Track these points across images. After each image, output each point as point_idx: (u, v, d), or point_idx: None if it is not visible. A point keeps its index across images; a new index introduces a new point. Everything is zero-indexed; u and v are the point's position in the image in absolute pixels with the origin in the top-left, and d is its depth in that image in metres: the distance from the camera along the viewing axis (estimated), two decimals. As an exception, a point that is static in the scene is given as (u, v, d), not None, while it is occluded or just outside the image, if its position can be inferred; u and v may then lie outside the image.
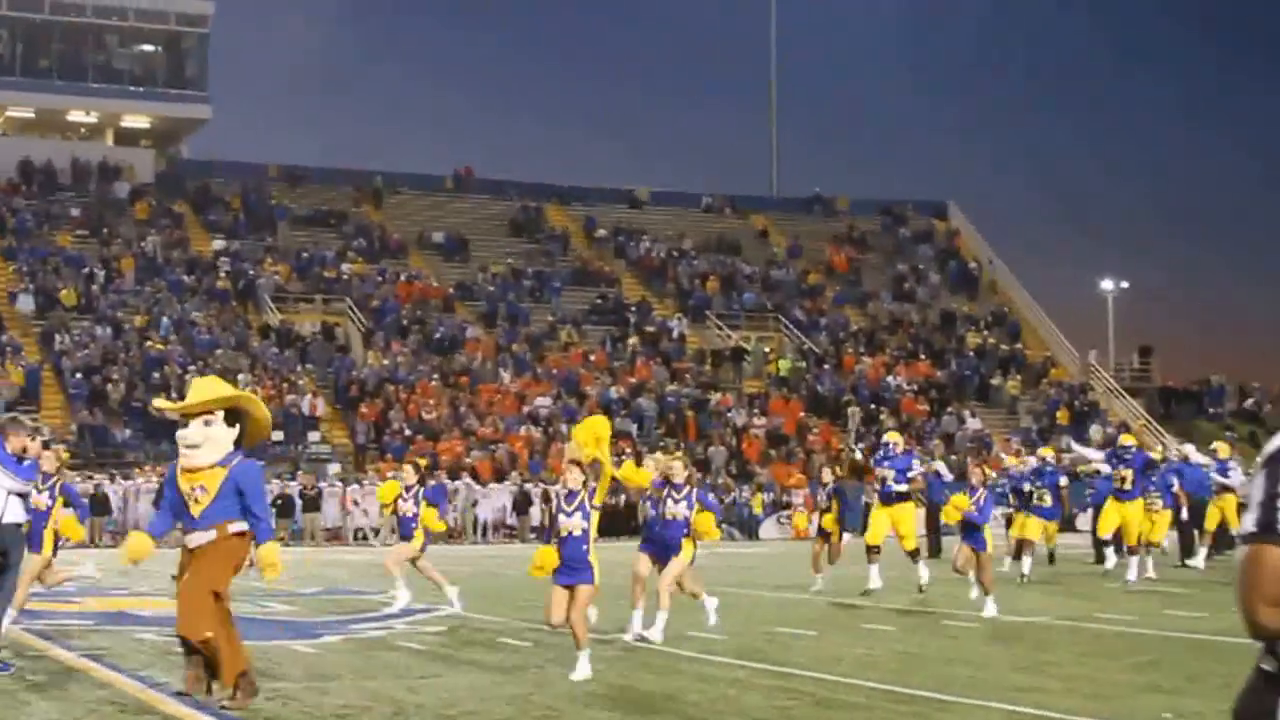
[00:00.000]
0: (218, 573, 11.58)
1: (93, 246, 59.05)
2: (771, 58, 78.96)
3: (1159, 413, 62.81)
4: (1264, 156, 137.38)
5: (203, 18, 66.60)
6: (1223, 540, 30.84)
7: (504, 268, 64.27)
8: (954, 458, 47.15)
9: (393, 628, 18.21)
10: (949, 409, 58.77)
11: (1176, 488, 30.06)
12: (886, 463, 24.33)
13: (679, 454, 18.92)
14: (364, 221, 65.86)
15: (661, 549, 16.87)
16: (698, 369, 59.68)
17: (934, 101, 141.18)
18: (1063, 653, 15.86)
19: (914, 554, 23.98)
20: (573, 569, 13.64)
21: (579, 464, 13.80)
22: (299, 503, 44.40)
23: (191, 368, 50.67)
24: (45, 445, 17.36)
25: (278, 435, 49.11)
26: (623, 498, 47.97)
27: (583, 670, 13.42)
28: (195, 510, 11.54)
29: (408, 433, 50.30)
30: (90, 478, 42.59)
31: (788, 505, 49.91)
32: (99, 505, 41.76)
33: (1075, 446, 31.75)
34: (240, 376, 50.93)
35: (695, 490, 16.92)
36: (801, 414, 57.04)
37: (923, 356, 62.99)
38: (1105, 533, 26.69)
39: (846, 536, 24.69)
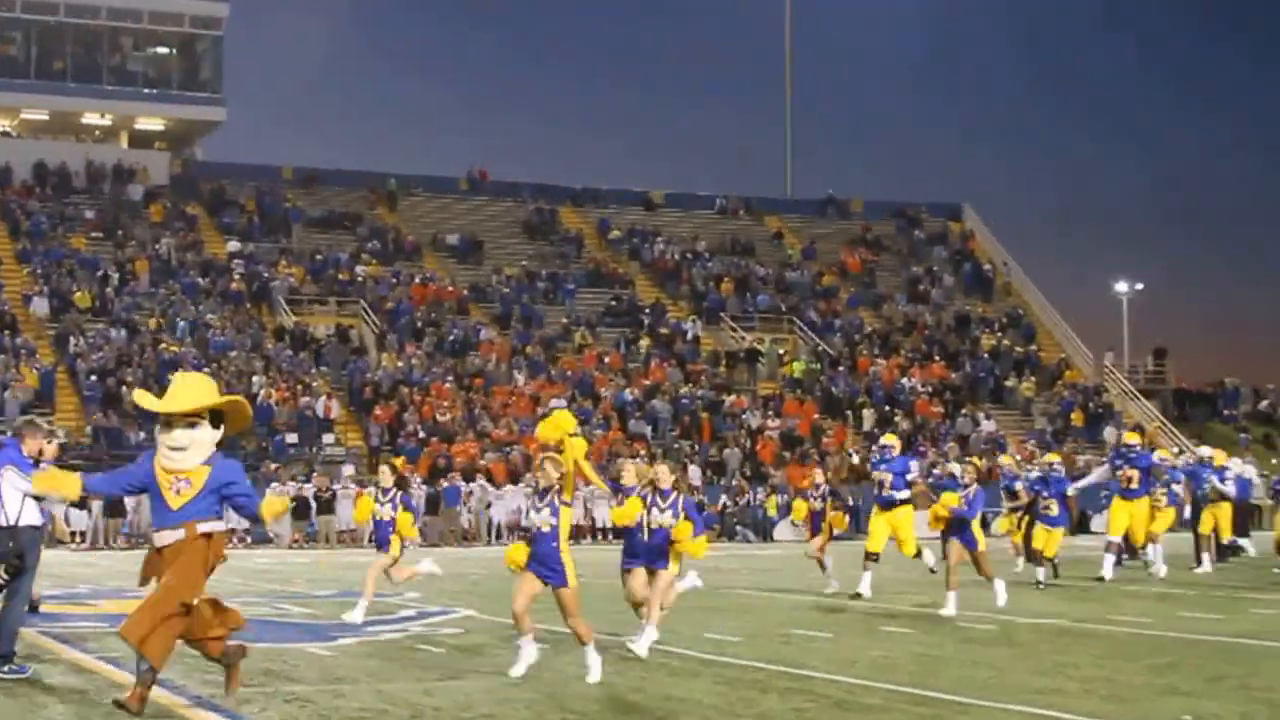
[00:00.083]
0: (192, 580, 11.27)
1: (107, 249, 59.15)
2: (786, 59, 79.02)
3: (1173, 415, 62.73)
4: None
5: (217, 20, 66.71)
6: (1220, 550, 30.70)
7: (518, 270, 64.29)
8: (969, 459, 47.07)
9: (408, 630, 18.19)
10: (963, 411, 58.69)
11: (1182, 488, 30.07)
12: (884, 466, 23.96)
13: (666, 460, 17.89)
14: (378, 224, 65.92)
15: (650, 560, 15.74)
16: (712, 371, 59.65)
17: (949, 104, 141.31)
18: (1080, 655, 15.81)
19: (916, 555, 23.87)
20: (544, 565, 13.48)
21: (552, 460, 13.60)
22: (314, 505, 44.45)
23: (206, 370, 50.78)
24: (61, 448, 17.36)
25: (292, 438, 49.21)
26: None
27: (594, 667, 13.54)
28: (174, 502, 11.24)
29: (422, 435, 50.31)
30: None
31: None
32: (112, 507, 41.86)
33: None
34: (255, 379, 51.07)
35: (682, 497, 15.72)
36: (816, 416, 56.98)
37: (937, 358, 62.91)
38: (1116, 534, 26.56)
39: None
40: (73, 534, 40.86)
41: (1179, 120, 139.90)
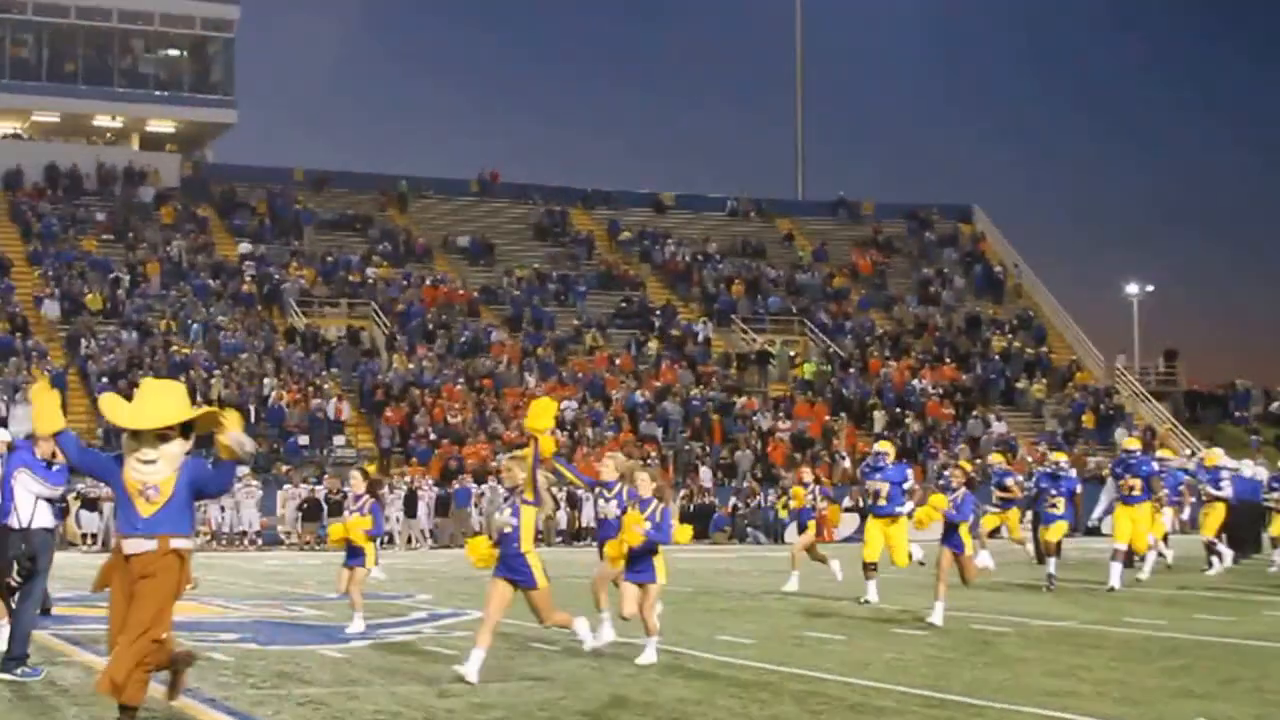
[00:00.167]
0: (165, 614, 10.62)
1: (118, 251, 59.22)
2: (797, 61, 79.06)
3: (1184, 416, 62.66)
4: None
5: (228, 22, 66.78)
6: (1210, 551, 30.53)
7: (529, 271, 64.29)
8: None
9: (421, 632, 18.19)
10: (974, 413, 58.63)
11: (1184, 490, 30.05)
12: (879, 474, 23.49)
13: (648, 469, 16.78)
14: (389, 225, 65.95)
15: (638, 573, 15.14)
16: (723, 373, 59.64)
17: (959, 105, 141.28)
18: (1093, 657, 15.80)
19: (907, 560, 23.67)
20: (511, 569, 13.46)
21: (516, 459, 13.58)
22: (325, 507, 44.42)
23: (217, 372, 50.86)
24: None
25: (303, 440, 49.26)
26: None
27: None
28: (145, 510, 10.54)
29: (433, 436, 50.33)
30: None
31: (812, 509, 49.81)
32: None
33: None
34: (266, 381, 51.14)
35: (661, 507, 15.07)
36: (827, 417, 56.93)
37: (948, 360, 62.87)
38: (1121, 540, 26.43)
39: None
40: (84, 536, 40.91)
41: (1189, 122, 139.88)
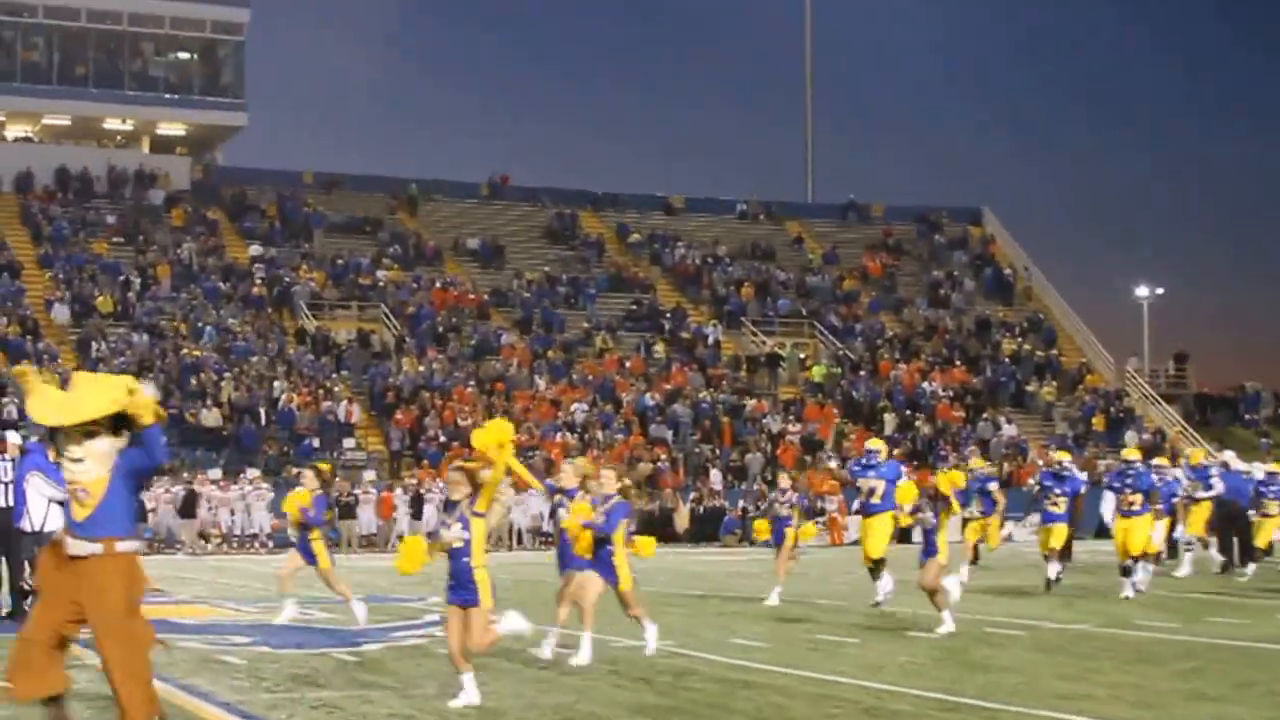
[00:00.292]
0: (142, 628, 9.76)
1: (129, 254, 59.27)
2: (807, 63, 79.07)
3: (1195, 419, 62.60)
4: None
5: (238, 25, 66.80)
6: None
7: (539, 274, 64.31)
8: (991, 464, 47.00)
9: (434, 635, 18.18)
10: (984, 415, 58.61)
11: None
12: (871, 473, 23.14)
13: (618, 468, 16.35)
14: (399, 228, 65.97)
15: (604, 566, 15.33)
16: (733, 375, 59.64)
17: (969, 108, 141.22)
18: (1107, 660, 15.79)
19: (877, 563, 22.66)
20: (459, 585, 12.72)
21: (462, 470, 12.96)
22: (335, 510, 44.45)
23: (227, 374, 50.94)
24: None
25: (315, 442, 49.28)
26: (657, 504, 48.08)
27: (469, 693, 12.59)
28: (79, 514, 9.66)
29: (443, 439, 50.33)
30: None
31: (822, 512, 49.78)
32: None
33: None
34: (276, 383, 51.19)
35: (616, 500, 15.19)
36: (837, 420, 56.93)
37: (958, 363, 62.84)
38: (1125, 557, 26.15)
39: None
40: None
41: (1201, 125, 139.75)
